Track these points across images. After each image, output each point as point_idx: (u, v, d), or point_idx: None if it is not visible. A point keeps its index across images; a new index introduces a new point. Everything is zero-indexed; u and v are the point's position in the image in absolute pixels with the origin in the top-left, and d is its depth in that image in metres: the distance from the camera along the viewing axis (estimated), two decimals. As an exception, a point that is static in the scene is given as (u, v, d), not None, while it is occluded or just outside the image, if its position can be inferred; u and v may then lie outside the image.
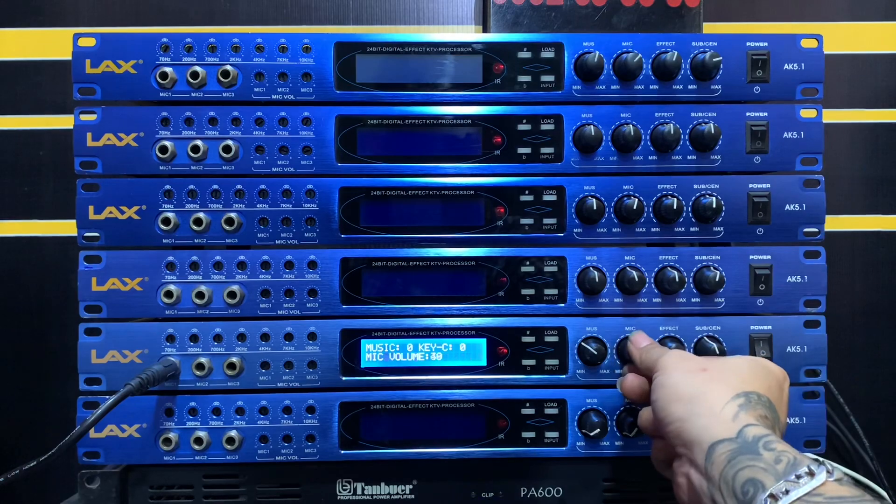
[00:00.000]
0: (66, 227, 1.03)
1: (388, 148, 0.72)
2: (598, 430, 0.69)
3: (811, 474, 0.47)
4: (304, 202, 0.71)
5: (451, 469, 0.71)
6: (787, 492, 0.46)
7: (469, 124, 0.72)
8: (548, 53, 0.72)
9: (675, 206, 0.70)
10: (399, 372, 0.71)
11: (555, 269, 0.72)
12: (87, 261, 0.71)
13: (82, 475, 0.70)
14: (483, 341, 0.71)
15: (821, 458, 0.49)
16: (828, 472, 0.47)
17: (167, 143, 0.70)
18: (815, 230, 0.72)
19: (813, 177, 0.72)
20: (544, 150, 0.72)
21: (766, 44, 0.72)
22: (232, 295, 0.70)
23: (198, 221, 0.70)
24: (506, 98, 0.72)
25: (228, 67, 0.70)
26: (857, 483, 0.48)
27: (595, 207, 0.70)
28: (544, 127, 0.72)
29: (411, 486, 0.72)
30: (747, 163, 0.72)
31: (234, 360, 0.70)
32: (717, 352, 0.69)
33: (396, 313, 0.72)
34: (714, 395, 0.55)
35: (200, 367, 0.70)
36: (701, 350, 0.71)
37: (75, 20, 1.03)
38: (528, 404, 0.71)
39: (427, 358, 0.71)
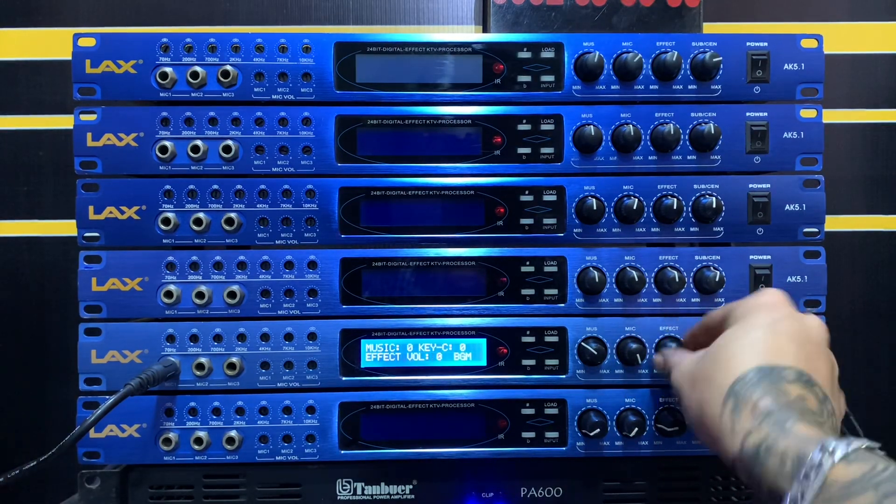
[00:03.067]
0: (66, 227, 1.03)
1: (388, 148, 0.72)
2: (598, 430, 0.69)
3: (818, 467, 0.43)
4: (304, 202, 0.71)
5: (451, 469, 0.71)
6: (802, 495, 0.43)
7: (469, 124, 0.72)
8: (548, 53, 0.72)
9: (675, 206, 0.70)
10: (399, 372, 0.71)
11: (555, 269, 0.72)
12: (87, 261, 0.71)
13: (82, 475, 0.70)
14: (483, 341, 0.71)
15: (826, 441, 0.45)
16: (829, 453, 0.43)
17: (167, 143, 0.70)
18: (815, 230, 0.72)
19: (813, 177, 0.72)
20: (544, 150, 0.72)
21: (766, 44, 0.72)
22: (232, 295, 0.70)
23: (198, 221, 0.70)
24: (506, 98, 0.72)
25: (228, 67, 0.70)
26: (871, 450, 0.44)
27: (595, 207, 0.70)
28: (544, 127, 0.72)
29: (411, 486, 0.72)
30: (747, 163, 0.72)
31: (234, 360, 0.70)
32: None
33: (396, 313, 0.72)
34: (709, 407, 0.55)
35: (200, 367, 0.70)
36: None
37: (75, 20, 1.03)
38: (528, 404, 0.71)
39: (427, 358, 0.71)
